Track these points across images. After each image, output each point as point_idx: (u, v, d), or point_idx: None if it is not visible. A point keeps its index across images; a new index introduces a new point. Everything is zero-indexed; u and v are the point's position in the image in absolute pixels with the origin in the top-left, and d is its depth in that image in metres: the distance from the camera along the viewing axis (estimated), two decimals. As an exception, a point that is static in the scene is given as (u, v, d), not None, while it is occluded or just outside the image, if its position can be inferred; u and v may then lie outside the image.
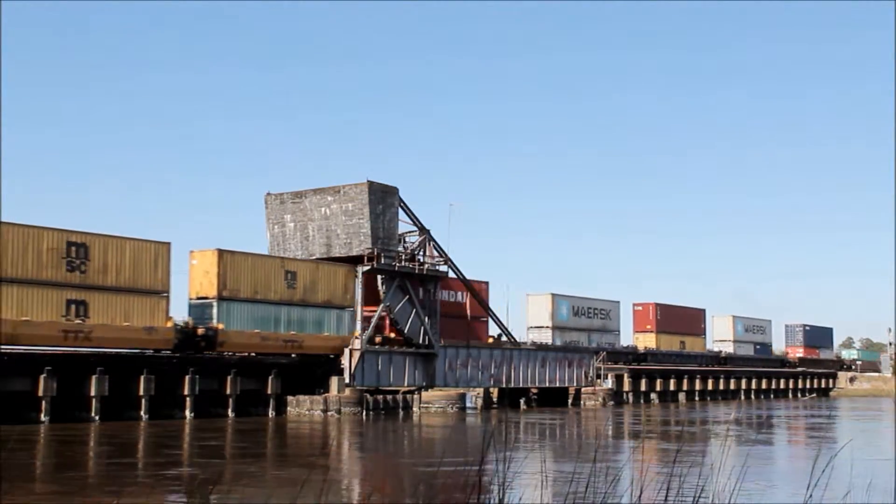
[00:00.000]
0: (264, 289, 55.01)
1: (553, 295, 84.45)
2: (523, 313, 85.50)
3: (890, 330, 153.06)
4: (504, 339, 71.95)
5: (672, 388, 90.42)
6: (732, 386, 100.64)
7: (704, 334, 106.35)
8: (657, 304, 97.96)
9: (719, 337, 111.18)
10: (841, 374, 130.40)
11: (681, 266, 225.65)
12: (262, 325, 54.70)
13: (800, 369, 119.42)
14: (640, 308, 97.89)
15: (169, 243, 50.50)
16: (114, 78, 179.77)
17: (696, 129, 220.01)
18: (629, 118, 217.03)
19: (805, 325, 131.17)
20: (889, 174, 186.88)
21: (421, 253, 64.24)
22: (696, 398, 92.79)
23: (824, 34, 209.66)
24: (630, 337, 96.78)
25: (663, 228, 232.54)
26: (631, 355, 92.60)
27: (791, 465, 30.64)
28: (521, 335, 78.97)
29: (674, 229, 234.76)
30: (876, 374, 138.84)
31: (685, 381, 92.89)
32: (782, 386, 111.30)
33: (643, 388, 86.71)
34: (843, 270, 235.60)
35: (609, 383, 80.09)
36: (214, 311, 52.41)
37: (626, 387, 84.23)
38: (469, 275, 68.05)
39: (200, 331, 52.03)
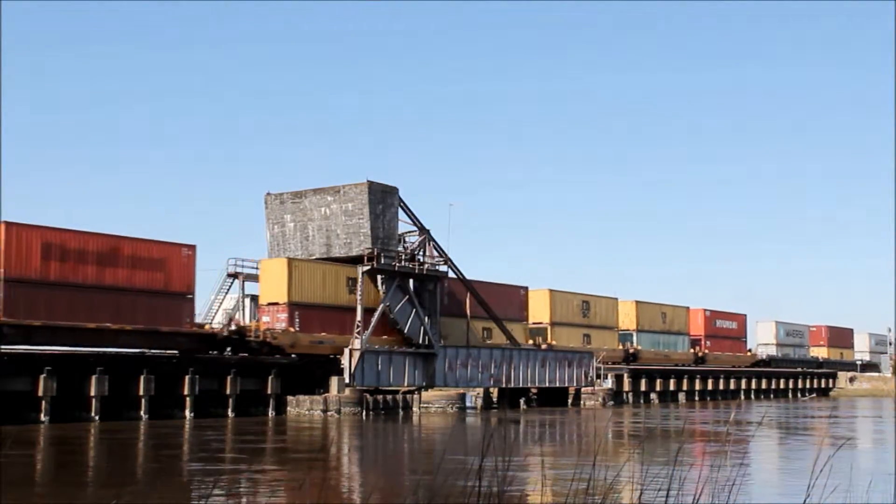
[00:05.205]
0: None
1: (776, 322, 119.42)
2: (752, 333, 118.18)
3: (890, 329, 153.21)
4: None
5: (672, 388, 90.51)
6: (732, 386, 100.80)
7: (853, 347, 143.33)
8: (828, 326, 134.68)
9: (860, 349, 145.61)
10: (841, 373, 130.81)
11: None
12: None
13: (799, 369, 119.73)
14: (814, 329, 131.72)
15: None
16: (109, 76, 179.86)
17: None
18: (631, 110, 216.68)
19: None
20: None
21: (421, 253, 64.26)
22: (696, 398, 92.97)
23: (810, 34, 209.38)
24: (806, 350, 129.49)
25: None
26: (813, 363, 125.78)
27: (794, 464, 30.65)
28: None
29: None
30: (876, 374, 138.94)
31: (685, 381, 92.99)
32: (782, 386, 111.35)
33: (643, 388, 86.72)
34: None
35: (609, 383, 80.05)
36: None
37: (626, 387, 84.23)
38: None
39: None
